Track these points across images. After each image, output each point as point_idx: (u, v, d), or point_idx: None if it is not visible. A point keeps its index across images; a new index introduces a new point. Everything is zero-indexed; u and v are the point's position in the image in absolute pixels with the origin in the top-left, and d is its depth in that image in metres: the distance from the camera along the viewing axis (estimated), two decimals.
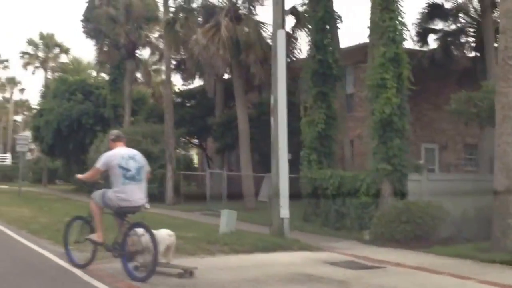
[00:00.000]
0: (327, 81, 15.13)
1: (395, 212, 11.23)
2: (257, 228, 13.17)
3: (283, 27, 12.31)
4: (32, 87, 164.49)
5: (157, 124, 25.64)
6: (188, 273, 7.34)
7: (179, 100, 28.42)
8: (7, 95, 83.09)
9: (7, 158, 59.67)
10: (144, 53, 30.86)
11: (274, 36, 12.19)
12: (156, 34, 28.00)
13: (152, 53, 28.74)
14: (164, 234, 7.45)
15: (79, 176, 8.18)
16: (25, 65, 47.08)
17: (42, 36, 46.19)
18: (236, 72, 19.31)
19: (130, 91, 27.39)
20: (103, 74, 35.07)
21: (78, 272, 7.67)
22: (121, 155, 7.38)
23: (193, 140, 29.92)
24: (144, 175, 7.48)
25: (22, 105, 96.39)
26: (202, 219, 15.91)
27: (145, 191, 7.47)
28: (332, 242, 11.59)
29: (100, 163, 7.48)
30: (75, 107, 30.11)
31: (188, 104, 28.87)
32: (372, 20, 12.96)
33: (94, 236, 7.46)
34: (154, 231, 7.16)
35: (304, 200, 15.27)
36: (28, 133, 36.46)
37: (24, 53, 46.33)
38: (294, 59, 19.05)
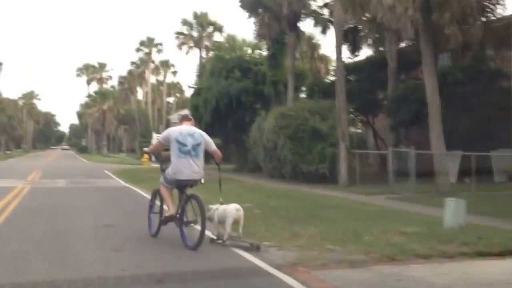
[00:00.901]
0: None
1: None
2: (487, 220, 10.60)
3: None
4: (183, 69, 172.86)
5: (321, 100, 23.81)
6: (255, 247, 7.67)
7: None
8: (160, 78, 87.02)
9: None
10: (306, 24, 29.00)
11: None
12: (321, 2, 25.99)
13: (316, 24, 26.75)
14: (231, 208, 8.03)
15: (145, 149, 9.57)
16: (180, 45, 47.84)
17: (196, 16, 46.49)
18: (424, 36, 16.66)
19: (293, 66, 25.69)
20: (258, 51, 33.90)
21: None
22: (180, 131, 8.08)
23: (358, 117, 27.62)
24: (201, 152, 8.07)
25: (174, 87, 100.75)
26: (396, 205, 13.66)
27: (201, 166, 8.13)
28: None
29: (161, 137, 8.45)
30: (233, 85, 29.21)
31: (351, 79, 26.64)
32: None
33: (167, 212, 8.27)
34: (223, 206, 8.12)
35: None
36: (187, 111, 36.51)
37: (179, 33, 46.99)
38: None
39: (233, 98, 29.02)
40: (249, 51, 34.40)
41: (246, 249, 7.70)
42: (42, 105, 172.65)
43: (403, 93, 20.65)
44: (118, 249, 7.77)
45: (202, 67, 37.63)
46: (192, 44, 47.38)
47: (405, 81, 22.99)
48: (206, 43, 44.98)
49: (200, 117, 30.56)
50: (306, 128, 21.76)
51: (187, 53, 48.04)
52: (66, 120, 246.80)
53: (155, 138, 61.56)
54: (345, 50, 27.76)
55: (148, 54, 75.00)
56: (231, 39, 36.00)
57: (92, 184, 21.47)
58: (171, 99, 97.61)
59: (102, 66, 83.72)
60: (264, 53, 31.59)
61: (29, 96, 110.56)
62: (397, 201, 14.67)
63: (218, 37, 43.47)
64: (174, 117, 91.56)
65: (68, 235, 9.05)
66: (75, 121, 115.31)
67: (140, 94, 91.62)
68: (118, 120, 78.10)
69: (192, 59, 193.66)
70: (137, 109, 77.55)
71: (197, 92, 32.36)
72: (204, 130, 28.20)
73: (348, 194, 17.01)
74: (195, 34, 46.69)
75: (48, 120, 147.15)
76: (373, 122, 26.98)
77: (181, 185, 8.18)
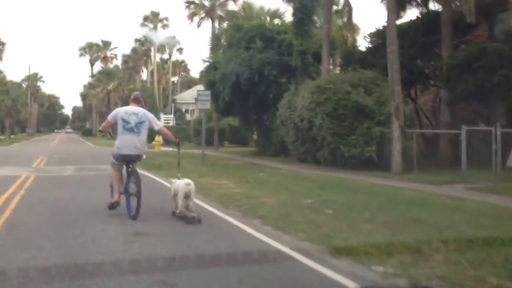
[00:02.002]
0: None
1: None
2: None
3: None
4: (189, 46, 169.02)
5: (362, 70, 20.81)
6: (196, 220, 8.32)
7: (380, 41, 23.20)
8: (165, 56, 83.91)
9: (171, 120, 58.96)
10: None
11: None
12: None
13: None
14: (181, 183, 8.79)
15: (99, 128, 11.01)
16: (190, 16, 44.76)
17: None
18: None
19: (329, 30, 22.57)
20: (278, 20, 30.85)
21: None
22: (126, 110, 9.01)
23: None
24: (143, 130, 8.87)
25: (179, 66, 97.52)
26: (494, 199, 10.83)
27: (143, 143, 8.99)
28: None
29: (110, 115, 9.31)
30: (255, 57, 26.25)
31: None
32: None
33: (112, 199, 8.95)
34: (179, 181, 8.92)
35: None
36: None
37: (189, 2, 43.81)
38: None
39: (256, 72, 26.09)
40: (268, 19, 31.33)
41: (189, 221, 8.32)
42: (46, 88, 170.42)
43: (466, 60, 17.61)
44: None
45: (216, 39, 34.52)
46: (203, 15, 44.25)
47: (466, 46, 19.94)
48: (219, 12, 41.80)
49: (217, 95, 27.71)
50: (348, 103, 18.86)
51: (198, 25, 44.98)
52: (69, 103, 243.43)
53: (163, 118, 58.97)
54: (383, 11, 24.78)
55: (153, 29, 71.84)
56: (247, 6, 32.86)
57: (102, 172, 18.59)
58: (176, 78, 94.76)
59: (106, 44, 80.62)
60: (287, 20, 28.66)
61: (33, 78, 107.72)
62: (486, 193, 11.84)
63: (232, 6, 40.37)
64: (180, 97, 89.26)
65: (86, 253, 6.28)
66: (78, 103, 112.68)
67: (144, 74, 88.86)
68: (122, 101, 75.28)
69: (199, 34, 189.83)
70: (143, 88, 74.57)
71: (213, 66, 29.39)
72: (222, 109, 25.53)
73: (412, 183, 14.21)
74: (206, 3, 43.55)
75: (52, 103, 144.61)
76: (416, 97, 23.98)
77: (125, 160, 8.93)
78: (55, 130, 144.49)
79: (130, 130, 8.79)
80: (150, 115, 9.13)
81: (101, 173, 16.92)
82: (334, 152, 19.32)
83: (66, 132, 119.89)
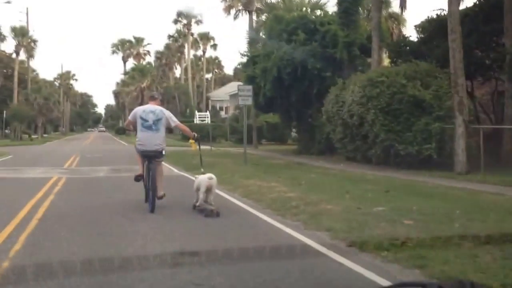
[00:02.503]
0: None
1: None
2: None
3: None
4: (223, 43, 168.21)
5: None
6: (215, 213, 8.69)
7: (432, 30, 21.60)
8: (199, 53, 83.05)
9: (206, 117, 58.02)
10: None
11: None
12: None
13: None
14: (204, 177, 9.21)
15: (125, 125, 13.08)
16: (227, 9, 43.65)
17: None
18: None
19: (379, 19, 21.12)
20: (320, 12, 29.43)
21: None
22: (143, 109, 9.60)
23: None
24: (161, 127, 9.37)
25: (213, 63, 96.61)
26: None
27: (162, 140, 9.43)
28: None
29: (130, 115, 9.94)
30: (297, 50, 24.92)
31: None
32: None
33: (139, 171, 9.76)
34: (201, 176, 9.35)
35: None
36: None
37: None
38: None
39: (298, 66, 24.77)
40: (309, 11, 29.92)
41: (207, 213, 8.70)
42: (79, 86, 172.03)
43: None
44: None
45: (254, 32, 33.26)
46: (240, 7, 43.05)
47: None
48: (257, 5, 40.51)
49: (257, 90, 26.46)
50: (403, 97, 17.40)
51: (235, 17, 43.78)
52: (102, 101, 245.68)
53: (198, 116, 58.05)
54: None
55: (187, 25, 70.98)
56: None
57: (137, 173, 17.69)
58: (209, 76, 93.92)
59: (139, 40, 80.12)
60: (329, 11, 27.32)
61: (66, 77, 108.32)
62: None
63: None
64: (214, 94, 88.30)
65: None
66: (111, 101, 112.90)
67: (177, 71, 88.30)
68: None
69: (235, 29, 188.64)
70: (177, 86, 73.95)
71: (252, 60, 28.15)
72: (263, 105, 24.15)
73: (485, 185, 12.78)
74: None
75: (85, 102, 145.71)
76: (472, 90, 22.29)
77: (144, 155, 9.43)
78: (88, 129, 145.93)
79: (148, 127, 9.33)
80: (167, 112, 9.69)
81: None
82: (388, 150, 17.91)
83: (99, 131, 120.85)
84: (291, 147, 33.85)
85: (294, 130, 48.36)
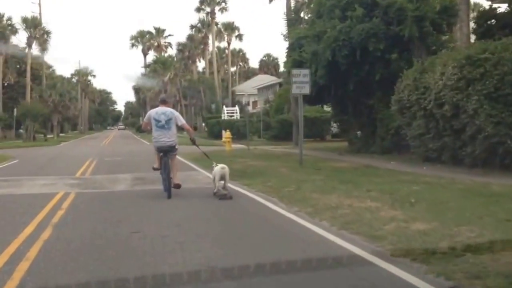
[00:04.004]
0: None
1: None
2: None
3: None
4: (248, 33, 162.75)
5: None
6: (228, 196, 10.54)
7: None
8: (223, 44, 79.27)
9: (235, 112, 54.30)
10: None
11: None
12: None
13: None
14: (218, 168, 10.86)
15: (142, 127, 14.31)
16: None
17: None
18: None
19: None
20: None
21: None
22: (156, 111, 11.36)
23: None
24: (172, 125, 11.11)
25: (237, 55, 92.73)
26: None
27: (173, 136, 11.17)
28: None
29: (145, 117, 12.03)
30: (354, 28, 21.00)
31: None
32: None
33: (155, 165, 11.59)
34: (214, 168, 11.04)
35: None
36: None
37: None
38: None
39: (357, 47, 20.87)
40: None
41: (221, 197, 10.51)
42: (97, 83, 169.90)
43: None
44: None
45: (294, 12, 29.28)
46: None
47: None
48: None
49: None
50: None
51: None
52: (121, 98, 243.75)
53: (226, 111, 54.33)
54: None
55: (211, 13, 67.26)
56: None
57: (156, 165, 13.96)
58: (233, 69, 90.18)
59: (159, 31, 76.52)
60: None
61: (83, 73, 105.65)
62: None
63: None
64: (239, 88, 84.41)
65: None
66: (131, 98, 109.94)
67: (200, 64, 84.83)
68: (180, 93, 71.35)
69: (261, 16, 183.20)
70: (202, 79, 70.30)
71: (298, 43, 24.26)
72: (312, 96, 20.15)
73: None
74: None
75: (104, 99, 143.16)
76: None
77: (160, 150, 11.21)
78: (108, 127, 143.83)
79: (162, 127, 11.04)
80: (176, 113, 11.43)
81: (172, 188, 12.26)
82: (493, 148, 13.97)
83: (119, 129, 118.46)
84: (334, 144, 29.99)
85: (335, 125, 44.61)
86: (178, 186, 11.09)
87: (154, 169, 11.60)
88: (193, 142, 12.09)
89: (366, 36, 20.67)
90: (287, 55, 26.00)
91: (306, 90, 17.37)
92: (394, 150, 21.02)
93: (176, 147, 11.23)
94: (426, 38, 20.43)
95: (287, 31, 29.29)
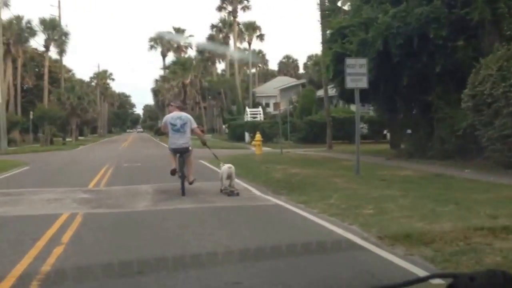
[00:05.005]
0: None
1: None
2: None
3: None
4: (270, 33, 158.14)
5: None
6: (235, 193, 11.10)
7: None
8: (244, 45, 76.00)
9: (259, 113, 51.05)
10: None
11: None
12: None
13: None
14: (226, 167, 11.54)
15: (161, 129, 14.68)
16: None
17: None
18: None
19: None
20: None
21: None
22: (172, 116, 11.95)
23: None
24: (187, 129, 11.66)
25: (257, 57, 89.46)
26: None
27: (188, 139, 11.74)
28: None
29: (162, 122, 12.78)
30: (411, 12, 17.66)
31: None
32: None
33: (172, 167, 11.76)
34: (222, 166, 11.73)
35: None
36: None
37: None
38: None
39: (414, 35, 17.54)
40: None
41: (229, 193, 11.00)
42: (116, 86, 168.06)
43: None
44: None
45: (330, 0, 25.90)
46: None
47: None
48: None
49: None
50: None
51: None
52: (140, 101, 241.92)
53: (249, 112, 51.09)
54: None
55: (232, 12, 64.05)
56: None
57: (205, 201, 10.82)
58: (252, 71, 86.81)
59: (179, 32, 73.47)
60: None
61: (102, 76, 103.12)
62: None
63: None
64: (259, 90, 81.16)
65: None
66: (149, 101, 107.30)
67: (220, 65, 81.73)
68: (200, 95, 68.26)
69: (279, 18, 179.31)
70: (223, 80, 67.09)
71: (339, 33, 20.94)
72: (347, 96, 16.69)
73: None
74: None
75: (123, 102, 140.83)
76: None
77: (176, 152, 11.72)
78: (127, 130, 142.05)
79: (177, 130, 11.69)
80: (190, 117, 12.13)
81: (207, 206, 9.18)
82: None
83: (138, 132, 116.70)
84: (368, 147, 26.61)
85: (365, 126, 41.26)
86: (191, 183, 11.73)
87: (172, 172, 11.78)
88: (204, 143, 12.82)
89: (426, 21, 17.34)
90: (325, 48, 22.74)
91: (363, 83, 14.08)
92: (457, 155, 17.64)
93: (190, 148, 11.82)
94: (499, 22, 17.03)
95: (322, 22, 26.01)
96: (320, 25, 27.29)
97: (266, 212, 9.46)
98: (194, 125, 12.03)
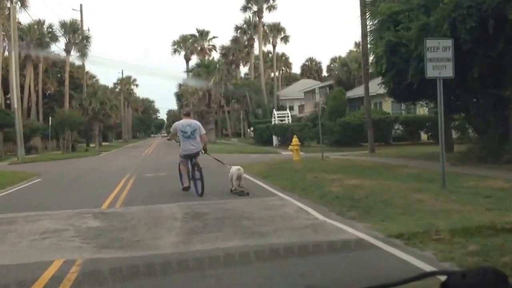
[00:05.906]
0: None
1: None
2: None
3: None
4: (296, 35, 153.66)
5: None
6: (245, 193, 11.62)
7: None
8: (268, 47, 72.86)
9: (286, 116, 47.86)
10: None
11: None
12: None
13: None
14: (235, 169, 12.03)
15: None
16: None
17: None
18: None
19: None
20: None
21: None
22: (182, 123, 12.45)
23: None
24: (197, 135, 12.23)
25: (280, 60, 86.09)
26: None
27: (198, 143, 12.24)
28: None
29: (172, 129, 13.32)
30: None
31: None
32: None
33: (184, 184, 12.33)
34: (231, 168, 12.27)
35: None
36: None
37: None
38: None
39: (489, 16, 14.28)
40: None
41: (239, 193, 11.54)
42: (140, 92, 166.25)
43: None
44: None
45: None
46: None
47: None
48: None
49: (404, 66, 16.36)
50: None
51: None
52: (163, 106, 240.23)
53: (276, 115, 48.04)
54: None
55: (258, 12, 60.94)
56: None
57: (255, 233, 7.66)
58: (277, 74, 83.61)
59: (203, 34, 70.42)
60: None
61: (126, 82, 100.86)
62: None
63: None
64: (283, 93, 78.11)
65: None
66: (173, 106, 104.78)
67: (244, 68, 78.87)
68: (225, 98, 65.30)
69: (303, 19, 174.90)
70: (247, 83, 64.06)
71: (391, 20, 17.71)
72: (411, 90, 13.38)
73: None
74: None
75: (147, 107, 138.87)
76: None
77: (188, 157, 12.22)
78: (152, 135, 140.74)
79: (188, 137, 12.16)
80: (199, 124, 12.71)
81: (262, 244, 6.06)
82: None
83: (162, 136, 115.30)
84: (411, 149, 23.10)
85: (397, 127, 38.18)
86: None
87: (185, 189, 12.15)
88: (205, 150, 12.50)
89: (504, 0, 14.07)
90: (374, 39, 19.54)
91: (448, 71, 10.85)
92: None
93: (199, 152, 12.21)
94: None
95: (363, 11, 22.79)
96: (360, 16, 24.14)
97: (348, 254, 6.35)
98: (203, 132, 12.57)
